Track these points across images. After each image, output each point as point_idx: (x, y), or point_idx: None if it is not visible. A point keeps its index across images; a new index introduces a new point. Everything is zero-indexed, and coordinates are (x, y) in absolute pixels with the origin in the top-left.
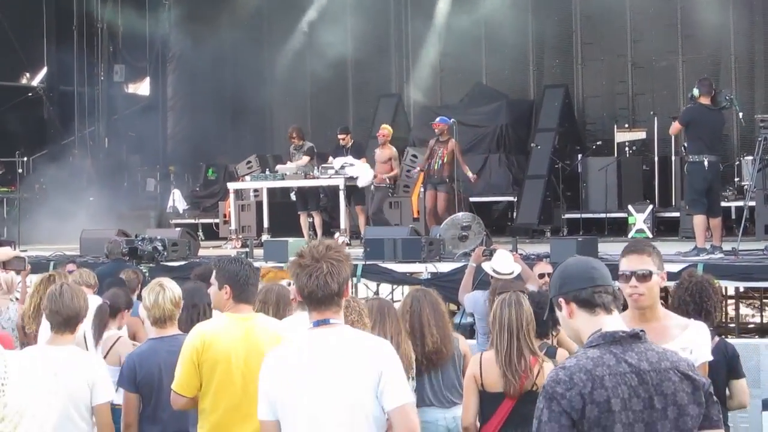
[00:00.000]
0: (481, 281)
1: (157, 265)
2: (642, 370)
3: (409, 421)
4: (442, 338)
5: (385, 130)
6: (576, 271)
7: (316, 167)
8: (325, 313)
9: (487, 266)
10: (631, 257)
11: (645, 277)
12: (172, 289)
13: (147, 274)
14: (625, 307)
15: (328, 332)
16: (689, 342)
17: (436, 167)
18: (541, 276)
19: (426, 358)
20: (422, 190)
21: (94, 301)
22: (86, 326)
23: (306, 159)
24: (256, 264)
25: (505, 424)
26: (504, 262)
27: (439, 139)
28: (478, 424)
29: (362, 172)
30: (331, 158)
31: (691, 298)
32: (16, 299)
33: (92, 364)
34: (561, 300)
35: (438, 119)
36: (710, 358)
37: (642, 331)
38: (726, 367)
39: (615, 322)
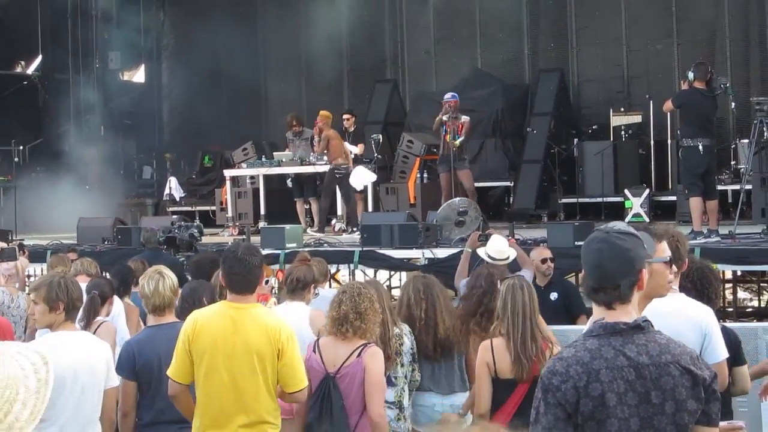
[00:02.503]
0: (478, 266)
1: (195, 252)
2: (641, 363)
3: None
4: (453, 325)
5: (322, 116)
6: (585, 260)
7: (312, 153)
8: None
9: (482, 251)
10: (664, 243)
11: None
12: (170, 277)
13: (185, 264)
14: None
15: None
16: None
17: (456, 143)
18: (543, 261)
19: (440, 346)
20: (420, 175)
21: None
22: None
23: (361, 146)
24: None
25: (518, 410)
26: (499, 247)
27: (452, 115)
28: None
29: (358, 177)
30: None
31: (692, 284)
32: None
33: (105, 348)
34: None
35: (449, 95)
36: (727, 355)
37: (646, 320)
38: (731, 353)
39: (618, 316)
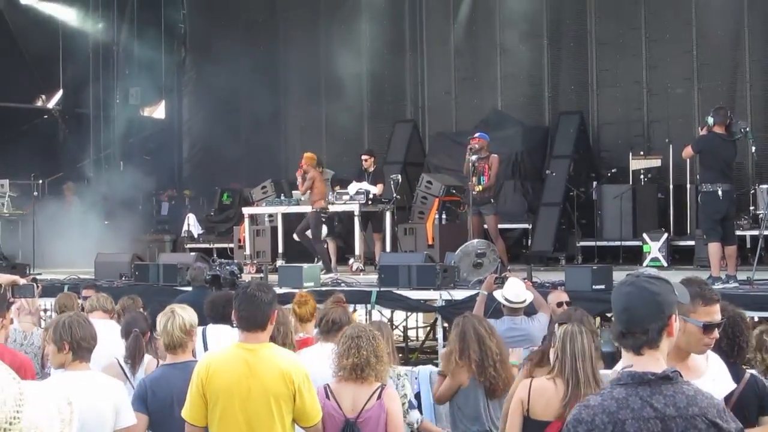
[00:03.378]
0: (495, 309)
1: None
2: (667, 416)
3: None
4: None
5: (306, 158)
6: (614, 305)
7: (331, 193)
8: None
9: (498, 294)
10: (715, 307)
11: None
12: (182, 316)
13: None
14: None
15: None
16: (715, 373)
17: (479, 188)
18: (559, 305)
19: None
20: (438, 215)
21: (112, 327)
22: (118, 353)
23: (381, 186)
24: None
25: None
26: (516, 290)
27: (480, 156)
28: None
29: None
30: (354, 182)
31: (724, 333)
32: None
33: (114, 388)
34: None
35: (478, 134)
36: (734, 386)
37: (675, 371)
38: (757, 403)
39: (646, 362)
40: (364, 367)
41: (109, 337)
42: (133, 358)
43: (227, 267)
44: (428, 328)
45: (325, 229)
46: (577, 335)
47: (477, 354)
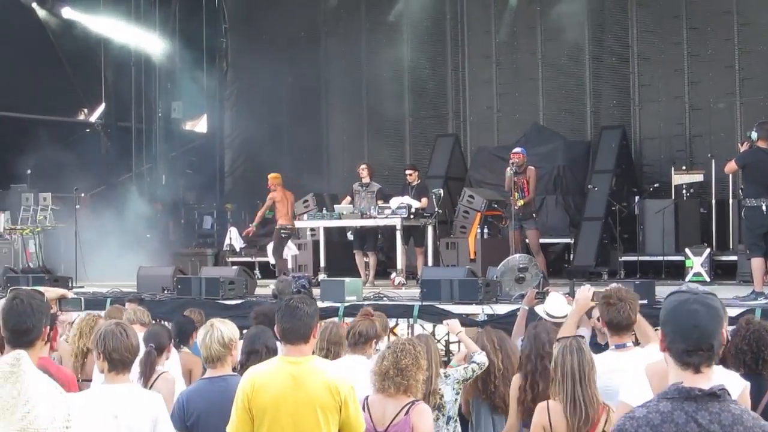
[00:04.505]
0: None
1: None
2: None
3: None
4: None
5: (270, 178)
6: (679, 322)
7: (374, 207)
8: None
9: (539, 309)
10: None
11: None
12: (221, 330)
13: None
14: None
15: None
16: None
17: (521, 202)
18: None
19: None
20: (480, 230)
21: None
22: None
23: (424, 200)
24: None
25: None
26: (556, 304)
27: (518, 171)
28: None
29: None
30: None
31: (748, 346)
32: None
33: (153, 401)
34: (660, 330)
35: (517, 148)
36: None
37: (722, 389)
38: None
39: (699, 379)
40: (384, 377)
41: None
42: (144, 373)
43: (299, 280)
44: None
45: (293, 248)
46: (567, 353)
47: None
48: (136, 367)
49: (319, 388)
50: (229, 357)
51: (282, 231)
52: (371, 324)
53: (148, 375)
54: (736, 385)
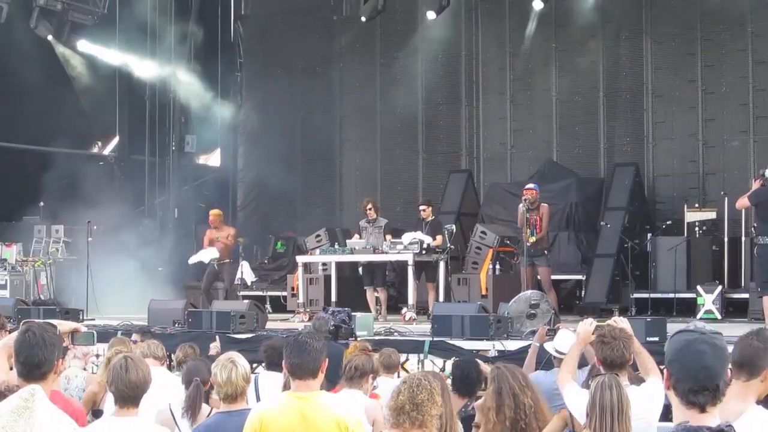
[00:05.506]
0: (548, 361)
1: (347, 339)
2: None
3: None
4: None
5: (212, 215)
6: (687, 361)
7: (384, 241)
8: None
9: (549, 346)
10: None
11: None
12: (243, 365)
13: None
14: None
15: None
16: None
17: (533, 239)
18: None
19: None
20: (492, 266)
21: (162, 374)
22: (169, 400)
23: (439, 238)
24: None
25: None
26: (566, 342)
27: (530, 207)
28: None
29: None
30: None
31: None
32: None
33: None
34: (665, 368)
35: (531, 185)
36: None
37: (729, 426)
38: None
39: (705, 418)
40: (400, 412)
41: (160, 383)
42: (193, 408)
43: (339, 315)
44: None
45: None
46: (609, 389)
47: (512, 410)
48: (170, 399)
49: (327, 424)
50: (246, 392)
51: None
52: (367, 359)
53: (197, 408)
54: None
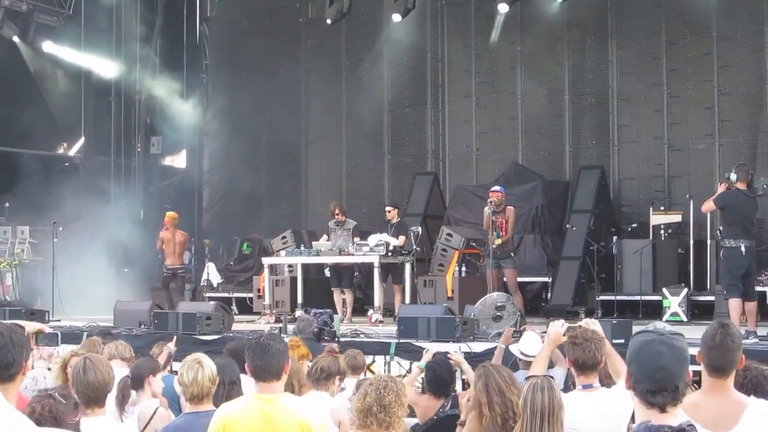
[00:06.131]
0: (514, 362)
1: (330, 340)
2: None
3: None
4: None
5: (167, 217)
6: (645, 362)
7: (352, 244)
8: None
9: (514, 348)
10: None
11: None
12: (209, 366)
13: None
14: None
15: None
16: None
17: (498, 241)
18: None
19: None
20: (458, 268)
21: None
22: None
23: (402, 238)
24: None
25: None
26: (531, 343)
27: (496, 210)
28: None
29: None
30: (375, 234)
31: (746, 392)
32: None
33: None
34: (626, 370)
35: (496, 187)
36: None
37: (690, 425)
38: None
39: (666, 418)
40: (367, 414)
41: None
42: (118, 402)
43: (321, 316)
44: None
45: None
46: (540, 391)
47: (500, 407)
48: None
49: (290, 426)
50: (213, 392)
51: (165, 271)
52: (334, 360)
53: (121, 403)
54: None
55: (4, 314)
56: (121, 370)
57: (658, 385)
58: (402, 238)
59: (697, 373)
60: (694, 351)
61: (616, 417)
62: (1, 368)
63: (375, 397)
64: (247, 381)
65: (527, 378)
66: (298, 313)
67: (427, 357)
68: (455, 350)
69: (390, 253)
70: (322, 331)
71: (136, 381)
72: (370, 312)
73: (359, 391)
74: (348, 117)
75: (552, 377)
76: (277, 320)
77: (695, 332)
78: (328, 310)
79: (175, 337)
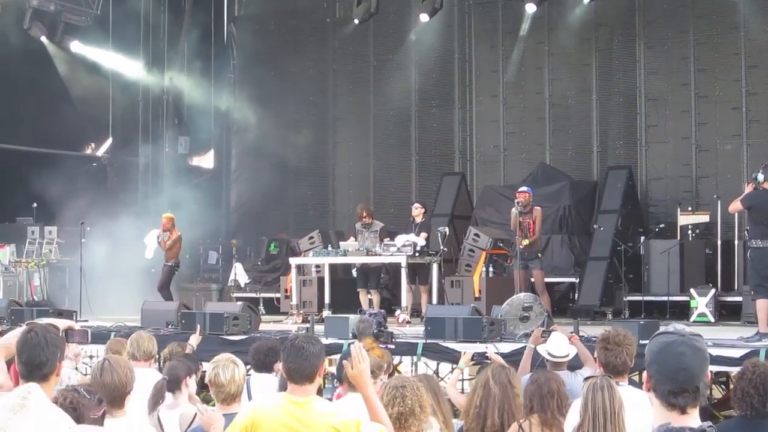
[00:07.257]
0: (542, 363)
1: (387, 342)
2: None
3: None
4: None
5: (164, 219)
6: (666, 364)
7: (379, 245)
8: None
9: (542, 349)
10: None
11: None
12: (242, 366)
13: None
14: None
15: None
16: None
17: (526, 242)
18: None
19: None
20: (486, 268)
21: (152, 374)
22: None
23: (424, 235)
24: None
25: None
26: (559, 344)
27: (523, 210)
28: None
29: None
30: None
31: (755, 390)
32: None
33: None
34: (646, 372)
35: (524, 188)
36: None
37: (711, 426)
38: None
39: (686, 419)
40: (409, 416)
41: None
42: (150, 403)
43: (376, 317)
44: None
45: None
46: (600, 390)
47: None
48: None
49: (320, 430)
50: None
51: (176, 269)
52: (376, 359)
53: (153, 405)
54: None
55: (32, 314)
56: (142, 371)
57: (680, 386)
58: (424, 235)
59: (723, 374)
60: (720, 352)
61: (647, 418)
62: (35, 367)
63: (416, 399)
64: (255, 380)
65: (586, 379)
66: (326, 313)
67: (465, 358)
68: (494, 351)
69: (417, 254)
70: (381, 332)
71: (173, 383)
72: (398, 312)
73: (395, 395)
74: (375, 117)
75: (610, 376)
76: (305, 320)
77: (723, 333)
78: (381, 311)
79: (199, 327)
